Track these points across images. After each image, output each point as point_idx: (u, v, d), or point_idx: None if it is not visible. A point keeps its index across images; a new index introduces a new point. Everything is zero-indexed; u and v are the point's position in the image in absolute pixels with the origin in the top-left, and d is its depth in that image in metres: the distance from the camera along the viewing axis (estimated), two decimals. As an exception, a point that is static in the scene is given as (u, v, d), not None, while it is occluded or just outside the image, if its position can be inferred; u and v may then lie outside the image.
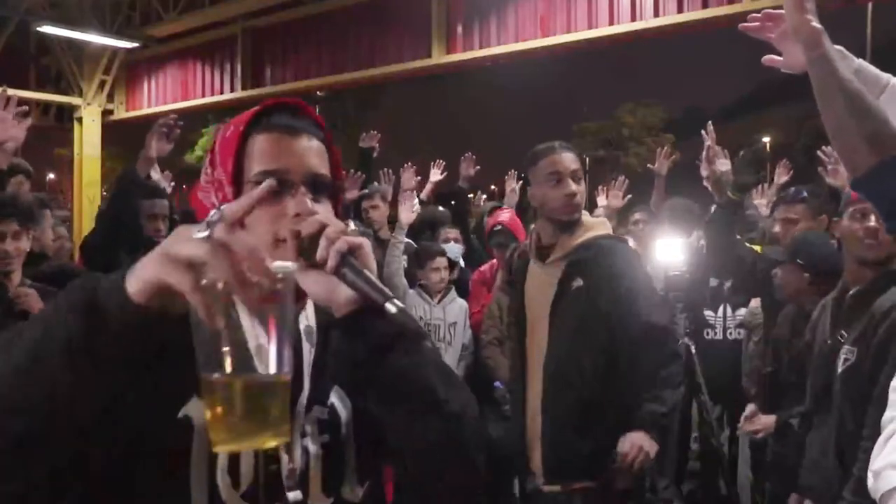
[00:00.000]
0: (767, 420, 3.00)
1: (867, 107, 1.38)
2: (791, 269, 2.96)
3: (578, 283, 2.43)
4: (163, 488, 0.97)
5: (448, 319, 4.16)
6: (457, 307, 4.24)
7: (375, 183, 5.25)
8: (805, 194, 3.50)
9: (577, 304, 2.45)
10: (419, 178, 5.54)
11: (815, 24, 1.44)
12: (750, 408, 3.16)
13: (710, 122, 3.49)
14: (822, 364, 2.36)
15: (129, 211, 3.53)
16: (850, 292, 2.33)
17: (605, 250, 2.45)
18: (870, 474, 1.46)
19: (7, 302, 2.73)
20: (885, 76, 1.61)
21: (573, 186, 2.49)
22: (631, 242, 2.68)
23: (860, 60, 1.61)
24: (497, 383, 3.76)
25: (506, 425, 3.75)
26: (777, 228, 3.64)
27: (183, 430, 0.98)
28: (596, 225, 2.54)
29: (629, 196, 5.54)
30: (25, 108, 2.88)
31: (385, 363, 0.98)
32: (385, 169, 5.48)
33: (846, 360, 2.18)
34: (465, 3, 8.32)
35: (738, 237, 3.80)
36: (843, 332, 2.27)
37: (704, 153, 3.37)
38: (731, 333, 4.56)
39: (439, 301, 4.17)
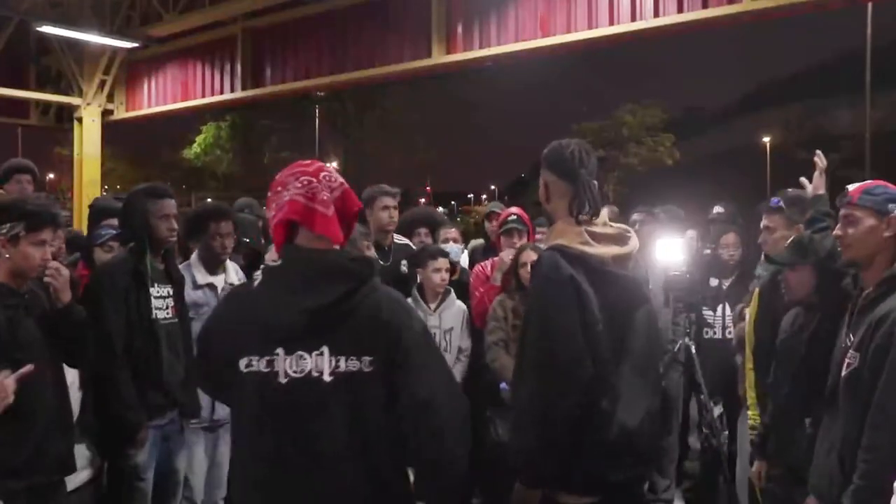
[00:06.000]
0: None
1: None
2: (805, 270, 2.94)
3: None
4: None
5: (444, 326, 4.12)
6: (454, 312, 4.19)
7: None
8: (782, 204, 3.55)
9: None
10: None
11: None
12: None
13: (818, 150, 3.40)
14: (836, 366, 2.36)
15: (138, 215, 3.55)
16: (861, 296, 2.35)
17: (537, 263, 2.35)
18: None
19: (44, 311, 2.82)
20: None
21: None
22: (597, 249, 2.40)
23: None
24: (503, 385, 3.75)
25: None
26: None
27: None
28: (560, 233, 2.37)
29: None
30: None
31: None
32: None
33: (849, 364, 2.19)
34: (465, 3, 8.33)
35: None
36: (851, 335, 2.28)
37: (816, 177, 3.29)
38: (729, 332, 4.57)
39: (436, 308, 4.14)
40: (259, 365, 1.88)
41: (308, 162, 2.01)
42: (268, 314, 1.89)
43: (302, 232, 1.94)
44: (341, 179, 1.99)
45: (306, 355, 1.87)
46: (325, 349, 1.87)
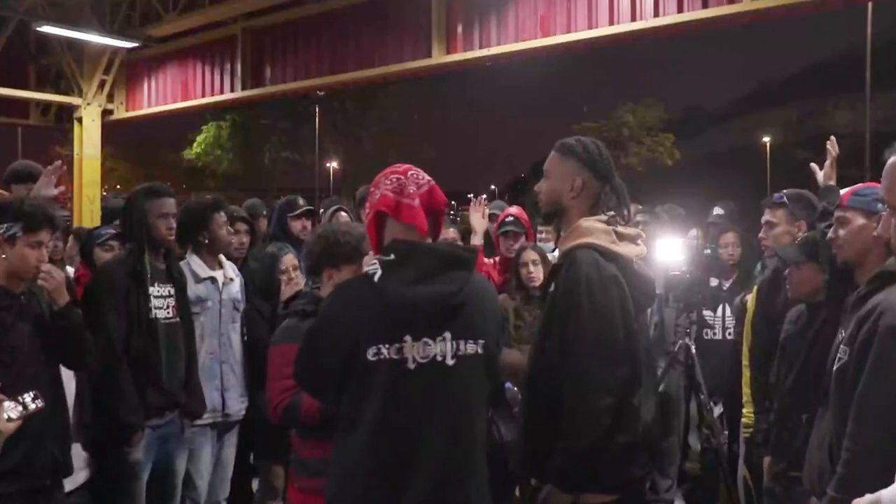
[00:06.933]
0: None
1: None
2: (811, 269, 2.98)
3: (552, 288, 2.38)
4: None
5: None
6: None
7: None
8: (785, 199, 3.58)
9: (544, 309, 2.41)
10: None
11: None
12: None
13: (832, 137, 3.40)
14: (830, 362, 2.39)
15: (137, 215, 3.55)
16: (855, 292, 2.37)
17: (572, 260, 2.32)
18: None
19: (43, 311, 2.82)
20: None
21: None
22: (621, 248, 2.38)
23: None
24: (507, 384, 3.76)
25: (517, 427, 3.73)
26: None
27: None
28: (587, 232, 2.35)
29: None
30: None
31: None
32: None
33: (839, 358, 2.22)
34: (465, 3, 8.32)
35: None
36: (843, 331, 2.30)
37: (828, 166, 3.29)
38: (729, 333, 4.57)
39: None
40: (389, 352, 1.99)
41: (399, 165, 2.23)
42: (395, 304, 2.01)
43: (390, 222, 2.13)
44: (428, 178, 2.19)
45: (430, 341, 2.02)
46: (448, 334, 2.04)
